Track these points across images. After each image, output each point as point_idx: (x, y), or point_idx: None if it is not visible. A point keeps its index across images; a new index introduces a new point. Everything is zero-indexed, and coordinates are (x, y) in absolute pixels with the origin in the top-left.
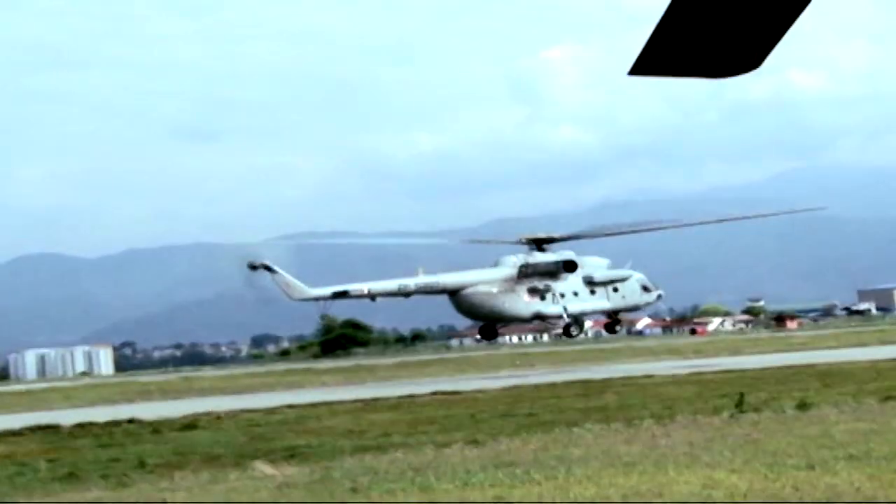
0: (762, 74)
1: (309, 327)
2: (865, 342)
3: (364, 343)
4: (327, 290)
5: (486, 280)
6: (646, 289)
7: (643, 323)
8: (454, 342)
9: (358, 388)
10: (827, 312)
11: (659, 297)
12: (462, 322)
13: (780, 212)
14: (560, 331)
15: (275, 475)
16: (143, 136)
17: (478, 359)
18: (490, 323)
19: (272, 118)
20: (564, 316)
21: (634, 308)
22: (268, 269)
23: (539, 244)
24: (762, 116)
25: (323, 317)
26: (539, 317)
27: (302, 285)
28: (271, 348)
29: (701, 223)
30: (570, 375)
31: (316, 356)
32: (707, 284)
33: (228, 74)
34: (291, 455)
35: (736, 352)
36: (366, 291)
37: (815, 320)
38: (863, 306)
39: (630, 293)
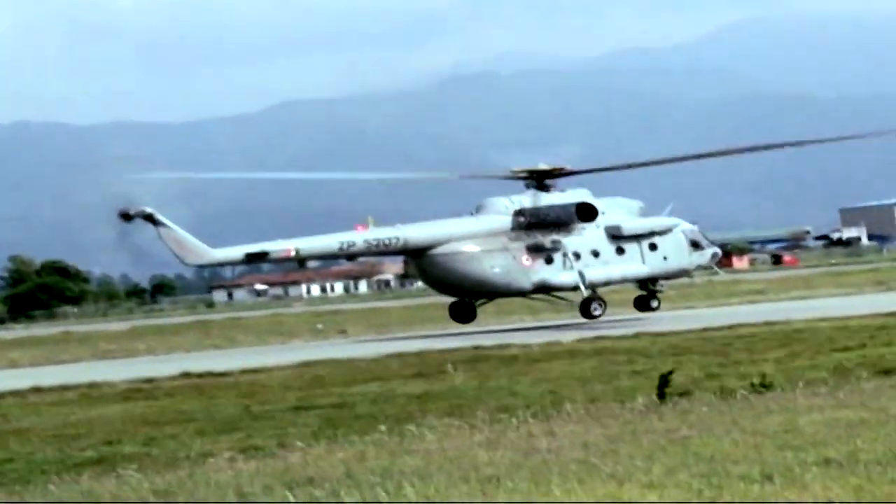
0: None
1: None
2: (853, 288)
3: (76, 299)
4: (238, 252)
5: (467, 234)
6: (696, 245)
7: None
8: (219, 296)
9: (68, 368)
10: (795, 243)
11: (714, 255)
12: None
13: None
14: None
15: None
16: None
17: (256, 321)
18: (468, 298)
19: None
20: (581, 287)
21: (681, 274)
22: (150, 220)
23: (540, 179)
24: None
25: (12, 259)
26: (544, 288)
27: (200, 244)
28: None
29: (813, 141)
30: (400, 345)
31: (0, 320)
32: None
33: None
34: None
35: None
36: (292, 252)
37: (776, 256)
38: (849, 233)
39: (674, 252)
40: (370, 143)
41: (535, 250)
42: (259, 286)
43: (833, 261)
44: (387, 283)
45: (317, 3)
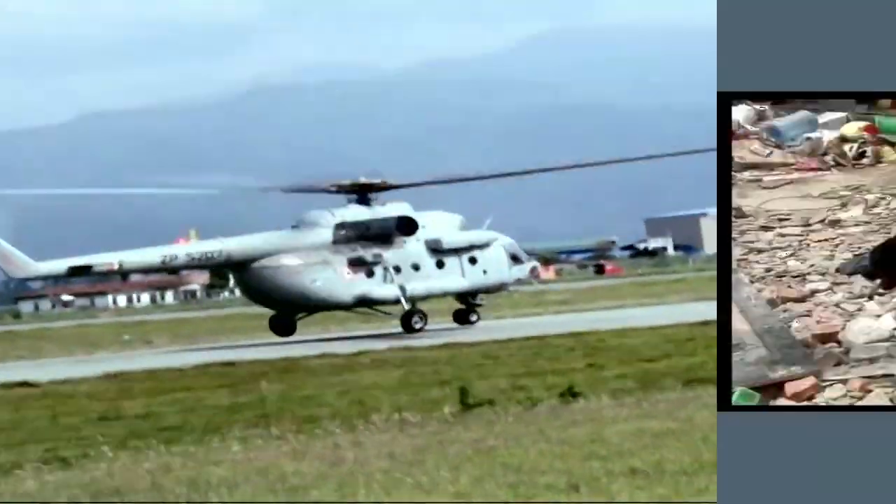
0: None
1: None
2: (659, 298)
3: None
4: (62, 265)
5: (289, 247)
6: (515, 259)
7: None
8: (25, 306)
9: None
10: (600, 254)
11: (533, 269)
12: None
13: None
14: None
15: None
16: None
17: (62, 332)
18: (287, 312)
19: None
20: (402, 301)
21: (501, 287)
22: None
23: (362, 192)
24: None
25: None
26: (365, 301)
27: (24, 257)
28: None
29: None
30: (206, 355)
31: None
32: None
33: None
34: None
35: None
36: (116, 266)
37: (582, 266)
38: (655, 244)
39: (494, 265)
40: (179, 154)
41: (356, 264)
42: (66, 297)
43: (640, 271)
44: (193, 293)
45: (123, 15)
